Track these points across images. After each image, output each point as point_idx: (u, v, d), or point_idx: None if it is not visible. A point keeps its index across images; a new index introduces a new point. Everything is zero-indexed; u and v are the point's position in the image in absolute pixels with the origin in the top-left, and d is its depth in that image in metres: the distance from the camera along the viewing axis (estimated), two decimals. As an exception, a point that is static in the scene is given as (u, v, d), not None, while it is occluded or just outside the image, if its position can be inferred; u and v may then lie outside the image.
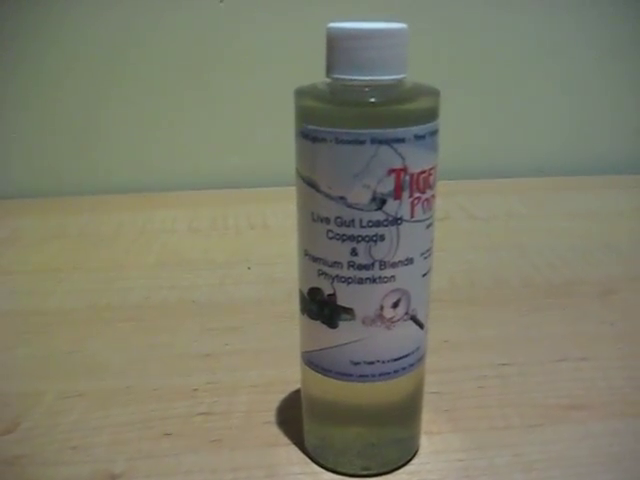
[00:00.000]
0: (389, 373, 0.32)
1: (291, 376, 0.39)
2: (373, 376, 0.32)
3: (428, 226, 0.31)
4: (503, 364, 0.44)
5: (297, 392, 0.38)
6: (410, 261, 0.31)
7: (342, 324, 0.31)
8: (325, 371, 0.33)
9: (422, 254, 0.31)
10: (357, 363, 0.32)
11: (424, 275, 0.32)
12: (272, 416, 0.39)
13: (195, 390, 0.42)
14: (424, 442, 0.37)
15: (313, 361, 0.33)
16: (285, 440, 0.37)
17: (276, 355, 0.45)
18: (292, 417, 0.38)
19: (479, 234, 0.68)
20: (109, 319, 0.51)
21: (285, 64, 0.78)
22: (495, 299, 0.54)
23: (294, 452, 0.36)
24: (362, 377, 0.32)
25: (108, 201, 0.78)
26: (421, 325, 0.33)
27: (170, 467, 0.35)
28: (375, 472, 0.34)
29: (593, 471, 0.35)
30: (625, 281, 0.57)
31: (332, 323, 0.31)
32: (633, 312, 0.51)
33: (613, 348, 0.46)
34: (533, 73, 0.84)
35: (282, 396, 0.41)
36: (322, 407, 0.35)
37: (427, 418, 0.37)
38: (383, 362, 0.32)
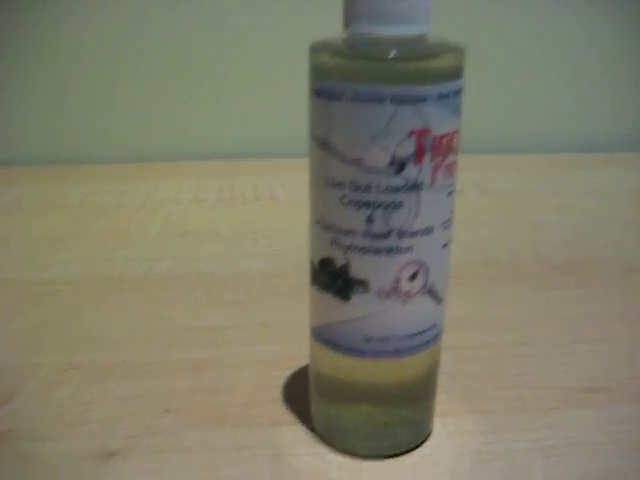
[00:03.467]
0: (403, 350, 0.31)
1: (299, 352, 0.37)
2: (387, 353, 0.30)
3: (449, 194, 0.29)
4: (519, 343, 0.43)
5: (305, 368, 0.37)
6: (430, 231, 0.29)
7: (355, 297, 0.29)
8: (336, 347, 0.31)
9: (443, 223, 0.29)
10: (370, 339, 0.30)
11: (444, 246, 0.30)
12: (278, 393, 0.38)
13: (198, 365, 0.40)
14: (437, 424, 0.35)
15: (323, 336, 0.31)
16: (291, 419, 0.36)
17: (283, 329, 0.44)
18: (299, 395, 0.37)
19: (492, 209, 0.66)
20: (109, 290, 0.49)
21: (296, 26, 0.75)
22: (510, 276, 0.52)
23: (301, 431, 0.35)
24: (375, 354, 0.30)
25: (112, 170, 0.76)
26: (439, 300, 0.31)
27: (170, 444, 0.34)
28: (386, 454, 0.33)
29: (613, 458, 0.33)
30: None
31: (344, 296, 0.30)
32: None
33: (630, 329, 0.44)
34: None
35: (289, 372, 0.39)
36: (331, 385, 0.33)
37: (441, 399, 0.35)
38: (398, 338, 0.30)
